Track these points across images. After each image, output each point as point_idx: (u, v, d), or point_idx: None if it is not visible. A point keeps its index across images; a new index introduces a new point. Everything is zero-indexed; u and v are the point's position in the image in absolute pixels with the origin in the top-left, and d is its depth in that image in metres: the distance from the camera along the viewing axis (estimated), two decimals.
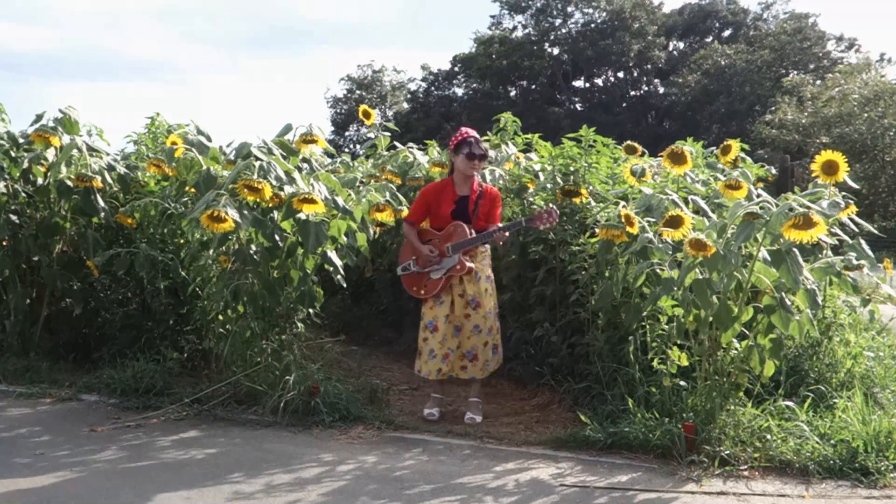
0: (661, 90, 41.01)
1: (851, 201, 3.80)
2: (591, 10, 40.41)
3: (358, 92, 44.68)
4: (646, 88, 42.06)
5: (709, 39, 40.23)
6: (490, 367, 4.57)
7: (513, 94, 41.81)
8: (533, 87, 42.06)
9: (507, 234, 4.47)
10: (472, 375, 4.54)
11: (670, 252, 3.88)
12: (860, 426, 3.75)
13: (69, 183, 4.95)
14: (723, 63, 35.30)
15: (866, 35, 69.76)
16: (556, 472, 3.62)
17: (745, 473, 3.55)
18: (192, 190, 4.79)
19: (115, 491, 3.28)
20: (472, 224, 4.52)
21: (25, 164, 5.10)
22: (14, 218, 5.07)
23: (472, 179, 4.56)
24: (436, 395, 4.63)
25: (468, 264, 4.46)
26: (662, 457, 3.72)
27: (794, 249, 3.55)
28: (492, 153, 6.00)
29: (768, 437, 3.72)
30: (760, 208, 3.59)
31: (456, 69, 42.51)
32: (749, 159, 5.54)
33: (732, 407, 3.84)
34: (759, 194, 3.91)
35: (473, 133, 4.58)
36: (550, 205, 4.35)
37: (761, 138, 25.60)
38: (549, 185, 5.11)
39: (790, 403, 3.96)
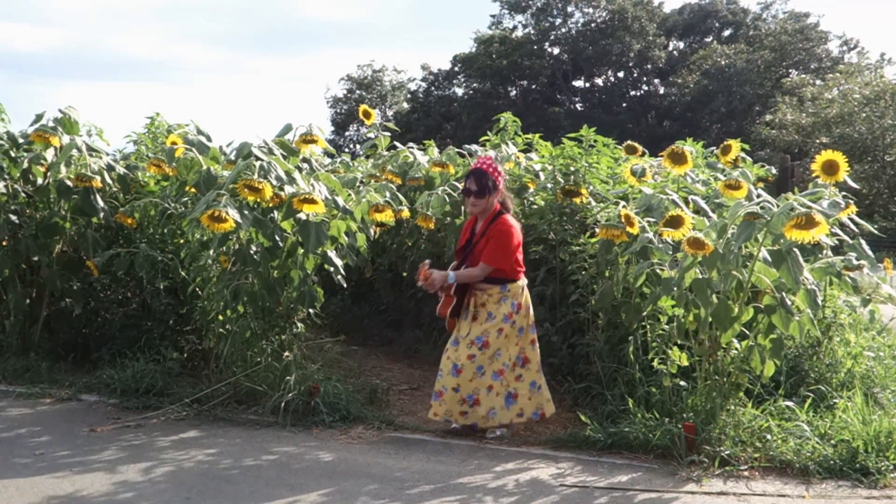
0: (661, 90, 41.02)
1: (851, 201, 3.80)
2: (591, 10, 40.42)
3: (358, 92, 44.66)
4: (646, 88, 42.05)
5: (709, 39, 40.24)
6: (496, 418, 4.10)
7: (513, 93, 41.80)
8: (533, 86, 42.05)
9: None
10: (474, 422, 4.12)
11: (670, 252, 3.89)
12: (860, 426, 3.75)
13: (69, 183, 4.95)
14: (723, 63, 35.30)
15: (867, 35, 69.83)
16: (556, 472, 3.62)
17: (746, 473, 3.55)
18: (193, 190, 4.79)
19: (114, 491, 3.28)
20: (467, 263, 4.20)
21: (25, 164, 5.11)
22: (14, 218, 5.07)
23: (487, 214, 4.20)
24: None
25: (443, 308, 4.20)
26: (662, 457, 3.72)
27: (795, 249, 3.55)
28: (492, 153, 6.00)
29: (768, 437, 3.72)
30: (761, 208, 3.59)
31: (456, 69, 42.50)
32: (749, 159, 5.54)
33: (732, 407, 3.84)
34: (759, 194, 3.92)
35: (483, 164, 4.20)
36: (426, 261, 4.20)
37: (761, 138, 25.62)
38: (549, 185, 5.11)
39: (790, 403, 3.96)
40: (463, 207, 5.39)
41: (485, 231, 4.18)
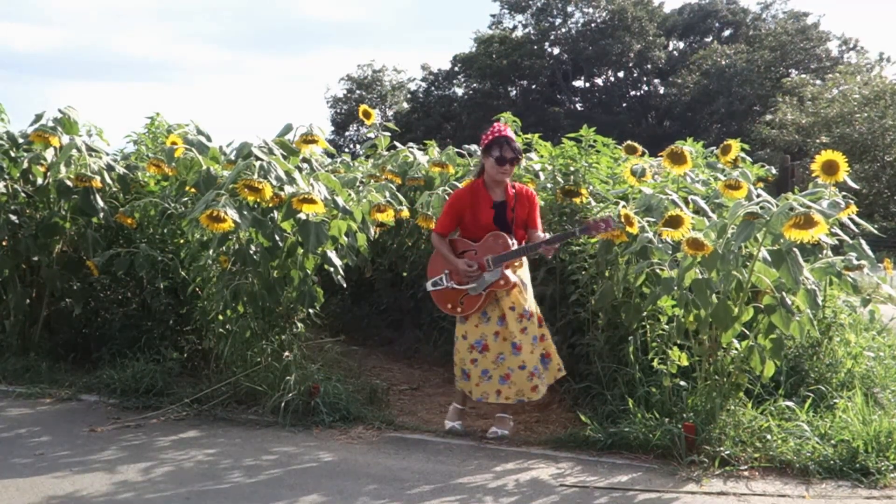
0: (661, 90, 41.03)
1: (851, 201, 3.80)
2: (591, 10, 40.43)
3: (358, 92, 44.64)
4: (646, 88, 42.07)
5: (709, 39, 40.25)
6: (544, 381, 4.14)
7: (513, 93, 41.82)
8: (533, 86, 42.07)
9: (556, 246, 4.07)
10: (546, 383, 4.16)
11: (670, 252, 3.89)
12: (860, 426, 3.75)
13: (69, 183, 4.95)
14: (723, 63, 35.31)
15: (867, 35, 69.89)
16: (556, 472, 3.62)
17: (746, 473, 3.55)
18: (192, 190, 4.80)
19: (114, 491, 3.28)
20: (513, 232, 4.14)
21: (25, 164, 5.11)
22: (14, 218, 5.07)
23: (505, 183, 4.20)
24: (458, 405, 4.30)
25: (512, 278, 4.05)
26: (662, 457, 3.72)
27: (795, 249, 3.55)
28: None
29: (768, 437, 3.71)
30: (761, 208, 3.59)
31: (456, 69, 42.49)
32: (749, 159, 5.54)
33: (732, 407, 3.84)
34: (759, 194, 3.92)
35: (506, 131, 4.16)
36: (608, 213, 4.07)
37: (761, 138, 25.63)
38: (549, 185, 5.11)
39: (790, 404, 3.96)
40: None
41: (516, 199, 4.18)
